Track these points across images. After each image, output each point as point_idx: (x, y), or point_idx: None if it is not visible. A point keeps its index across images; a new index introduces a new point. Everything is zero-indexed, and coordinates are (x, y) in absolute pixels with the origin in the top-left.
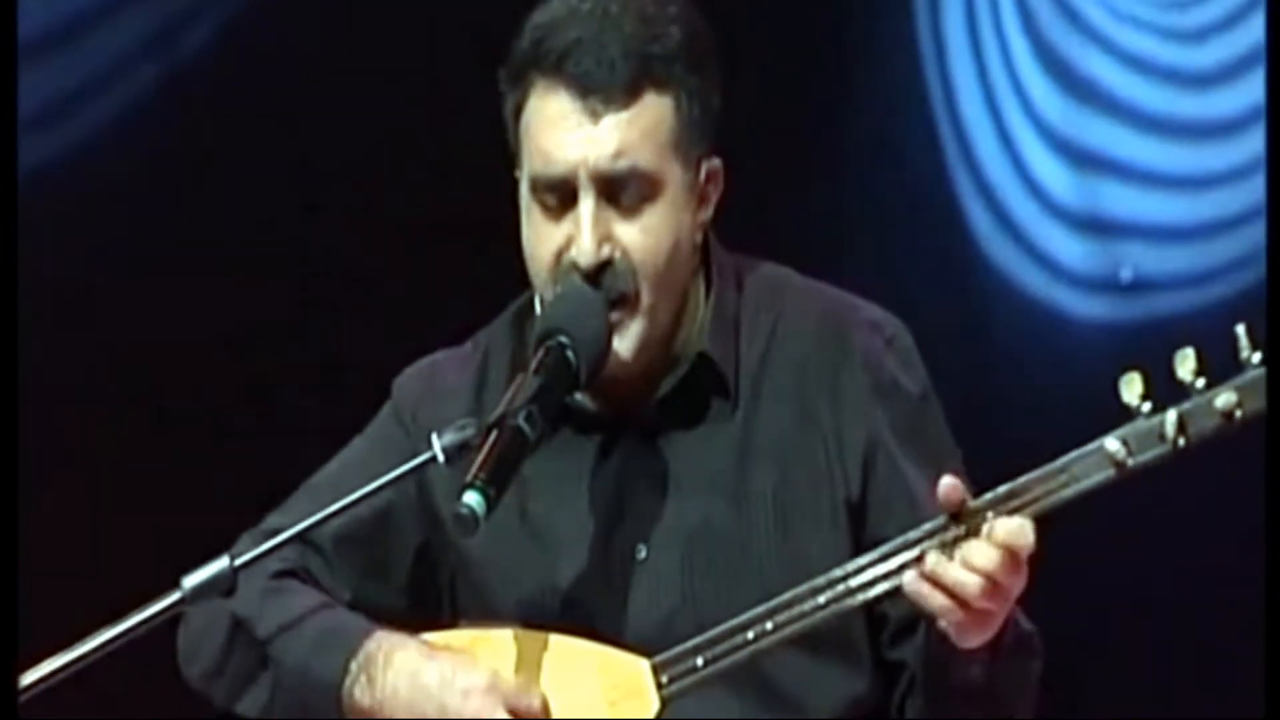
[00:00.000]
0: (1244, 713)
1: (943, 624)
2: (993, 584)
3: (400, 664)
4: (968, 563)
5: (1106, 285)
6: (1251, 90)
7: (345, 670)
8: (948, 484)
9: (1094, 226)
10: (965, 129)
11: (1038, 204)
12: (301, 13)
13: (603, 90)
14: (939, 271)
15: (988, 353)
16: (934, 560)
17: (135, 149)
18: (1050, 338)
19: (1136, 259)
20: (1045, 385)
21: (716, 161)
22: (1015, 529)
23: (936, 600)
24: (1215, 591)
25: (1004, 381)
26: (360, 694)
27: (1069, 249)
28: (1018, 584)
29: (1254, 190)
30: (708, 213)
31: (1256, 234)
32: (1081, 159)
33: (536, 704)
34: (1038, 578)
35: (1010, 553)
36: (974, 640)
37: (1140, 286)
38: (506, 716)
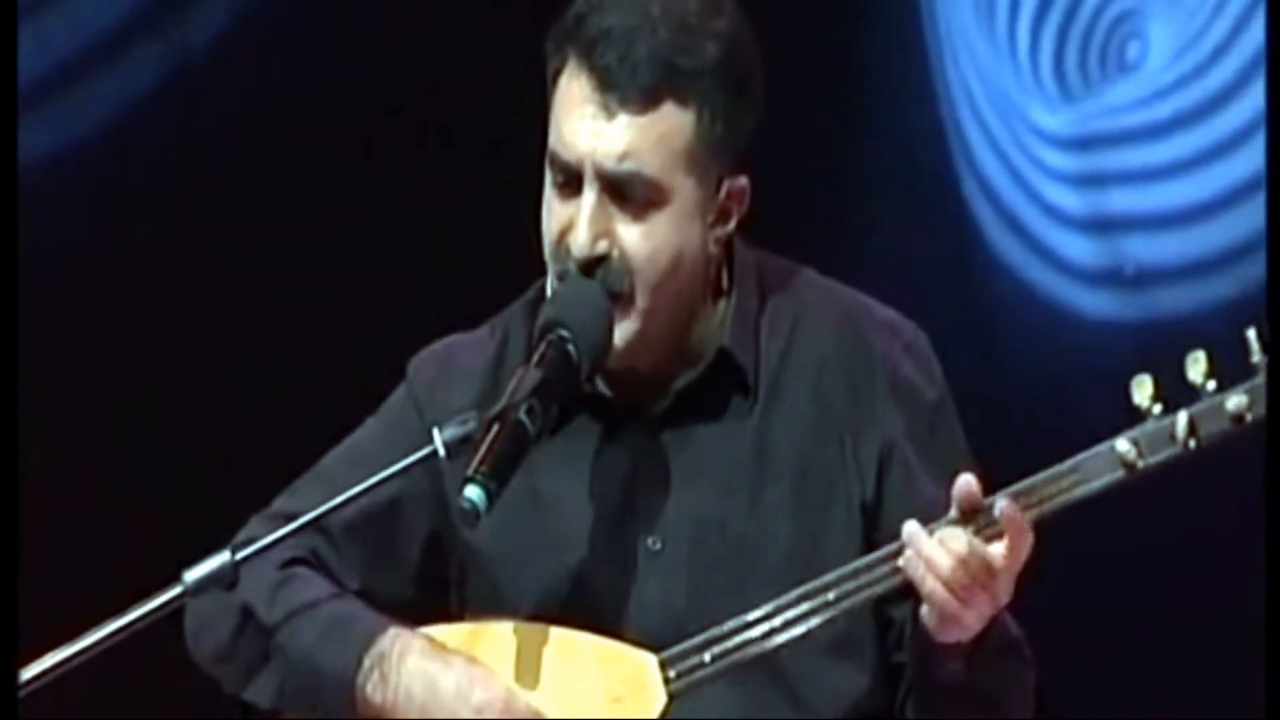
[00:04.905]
0: (1244, 713)
1: (924, 614)
2: (970, 576)
3: (414, 667)
4: (954, 549)
5: (1112, 279)
6: (1234, 63)
7: (358, 664)
8: (965, 484)
9: (1098, 225)
10: (970, 145)
11: (1040, 208)
12: None
13: (620, 90)
14: (947, 270)
15: (996, 350)
16: (923, 540)
17: (137, 134)
18: (1058, 335)
19: (1139, 251)
20: (1053, 381)
21: (743, 180)
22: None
23: (929, 584)
24: (1215, 591)
25: (1012, 378)
26: (373, 691)
27: (1074, 246)
28: (1005, 586)
29: (1247, 162)
30: (727, 228)
31: (1256, 212)
32: (1086, 176)
33: None
34: (1037, 578)
35: (1006, 553)
36: (953, 635)
37: (1145, 278)
38: None
